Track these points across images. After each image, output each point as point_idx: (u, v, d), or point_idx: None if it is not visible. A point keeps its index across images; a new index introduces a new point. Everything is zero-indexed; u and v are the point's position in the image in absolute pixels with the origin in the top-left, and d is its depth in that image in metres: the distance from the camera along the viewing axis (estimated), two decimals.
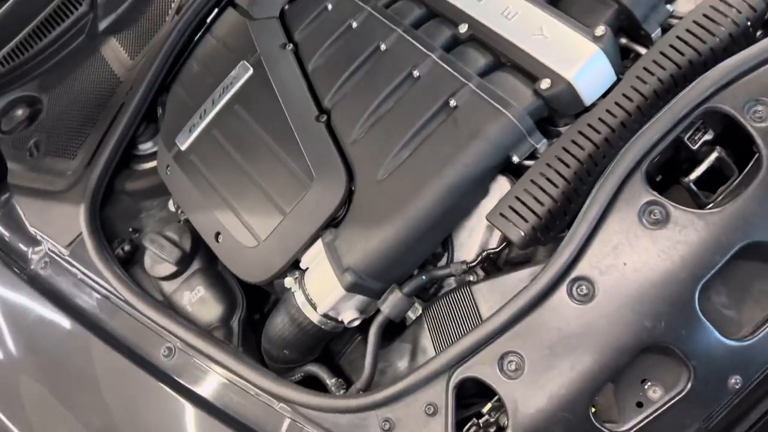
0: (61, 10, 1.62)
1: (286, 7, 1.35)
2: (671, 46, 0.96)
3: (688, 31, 0.96)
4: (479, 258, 1.03)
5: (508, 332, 0.90)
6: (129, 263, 1.31)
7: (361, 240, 1.03)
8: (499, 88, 1.02)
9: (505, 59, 1.06)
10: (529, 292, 0.89)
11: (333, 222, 1.07)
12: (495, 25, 1.07)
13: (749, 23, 0.95)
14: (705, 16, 0.96)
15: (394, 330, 1.09)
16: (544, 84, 0.99)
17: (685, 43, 0.95)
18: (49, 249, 1.34)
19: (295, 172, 1.12)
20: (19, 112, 1.62)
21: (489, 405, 0.93)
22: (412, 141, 1.04)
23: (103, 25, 1.59)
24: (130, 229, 1.37)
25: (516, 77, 1.03)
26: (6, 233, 1.42)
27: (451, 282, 1.09)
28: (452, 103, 1.03)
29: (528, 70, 1.02)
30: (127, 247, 1.31)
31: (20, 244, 1.39)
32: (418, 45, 1.11)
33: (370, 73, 1.14)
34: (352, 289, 1.01)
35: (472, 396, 0.97)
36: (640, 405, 0.90)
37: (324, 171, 1.09)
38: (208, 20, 1.43)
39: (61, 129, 1.51)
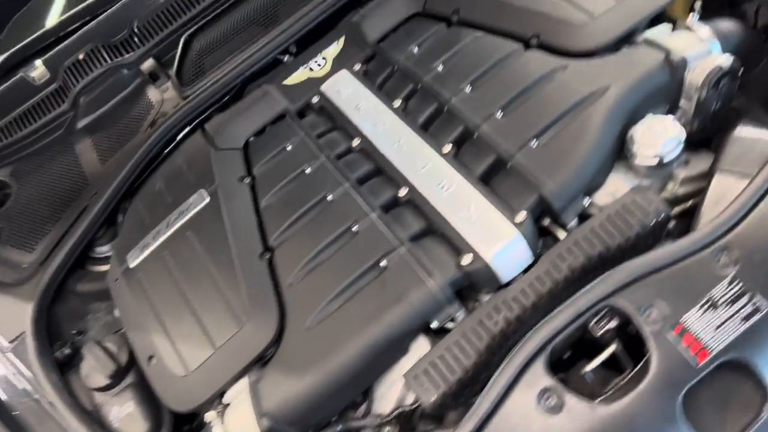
0: (44, 103, 1.71)
1: (251, 139, 1.44)
2: (584, 238, 1.05)
3: (600, 226, 1.06)
4: (393, 413, 1.09)
5: None
6: (67, 366, 1.34)
7: (283, 385, 1.08)
8: (427, 255, 1.10)
9: (436, 227, 1.15)
10: None
11: (261, 360, 1.13)
12: (431, 196, 1.17)
13: (655, 225, 1.05)
14: (617, 214, 1.06)
15: None
16: (466, 260, 1.07)
17: (597, 237, 1.05)
18: None
19: (233, 306, 1.18)
20: None
21: None
22: (343, 294, 1.11)
23: (81, 124, 1.68)
24: (74, 331, 1.40)
25: (443, 247, 1.12)
26: None
27: None
28: (383, 263, 1.11)
29: (454, 243, 1.11)
30: (67, 351, 1.35)
31: None
32: (360, 202, 1.20)
33: (315, 221, 1.22)
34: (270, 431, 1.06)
35: None
36: None
37: (259, 309, 1.15)
38: (178, 138, 1.52)
39: (24, 220, 1.56)
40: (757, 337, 0.93)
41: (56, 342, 1.36)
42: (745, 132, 1.16)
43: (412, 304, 1.06)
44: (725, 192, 1.12)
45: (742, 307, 0.94)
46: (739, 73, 1.17)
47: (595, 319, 1.01)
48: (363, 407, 1.14)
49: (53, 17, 1.93)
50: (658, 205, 1.06)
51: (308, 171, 1.29)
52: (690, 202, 1.18)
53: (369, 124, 1.31)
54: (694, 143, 1.22)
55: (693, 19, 1.24)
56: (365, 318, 1.07)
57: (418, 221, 1.17)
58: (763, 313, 0.93)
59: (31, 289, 1.40)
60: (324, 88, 1.42)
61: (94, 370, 1.27)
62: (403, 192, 1.20)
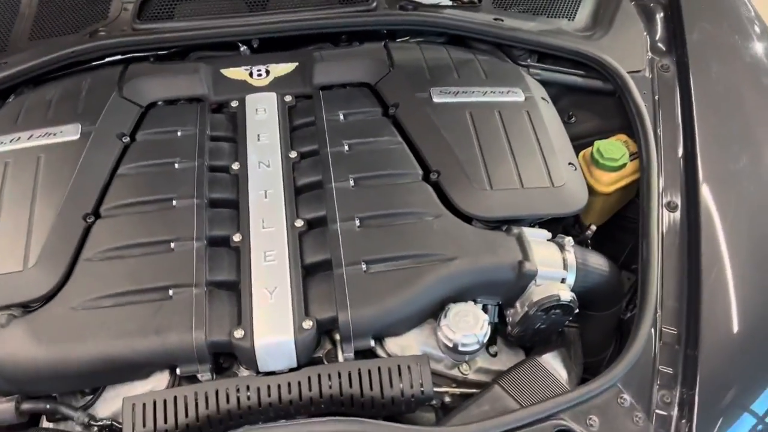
0: None
1: (159, 103, 1.44)
2: (347, 373, 1.09)
3: (367, 371, 1.09)
4: (103, 422, 1.12)
5: None
6: None
7: (21, 343, 1.09)
8: (212, 308, 1.12)
9: (239, 288, 1.17)
10: None
11: (20, 307, 1.14)
12: (255, 258, 1.18)
13: (413, 399, 1.09)
14: (388, 369, 1.10)
15: None
16: (238, 333, 1.09)
17: (359, 378, 1.09)
18: None
19: (29, 245, 1.18)
20: None
21: None
22: (119, 297, 1.13)
23: None
24: None
25: (230, 309, 1.14)
26: None
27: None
28: (171, 292, 1.13)
29: (241, 312, 1.13)
30: None
31: None
32: (196, 224, 1.21)
33: (149, 216, 1.23)
34: None
35: None
36: None
37: (47, 265, 1.16)
38: (102, 61, 1.51)
39: None
40: None
41: None
42: (546, 360, 1.21)
43: (166, 344, 1.09)
44: (496, 400, 1.16)
45: None
46: (573, 311, 1.21)
47: None
48: (88, 399, 1.17)
49: None
50: (426, 383, 1.10)
51: (177, 166, 1.30)
52: (473, 390, 1.22)
53: (256, 158, 1.32)
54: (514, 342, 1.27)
55: (569, 242, 1.27)
56: (122, 330, 1.10)
57: (229, 272, 1.18)
58: None
59: None
60: (248, 98, 1.43)
61: None
62: (236, 238, 1.22)
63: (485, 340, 1.17)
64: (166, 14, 1.60)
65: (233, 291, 1.17)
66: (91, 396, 1.16)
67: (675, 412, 1.13)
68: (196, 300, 1.12)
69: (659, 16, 1.65)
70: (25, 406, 1.11)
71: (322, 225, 1.24)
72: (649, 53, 1.57)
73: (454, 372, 1.22)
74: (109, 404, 1.15)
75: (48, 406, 1.12)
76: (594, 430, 1.08)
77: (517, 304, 1.23)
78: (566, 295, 1.19)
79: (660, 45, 1.60)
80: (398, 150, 1.35)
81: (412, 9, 1.61)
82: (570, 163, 1.36)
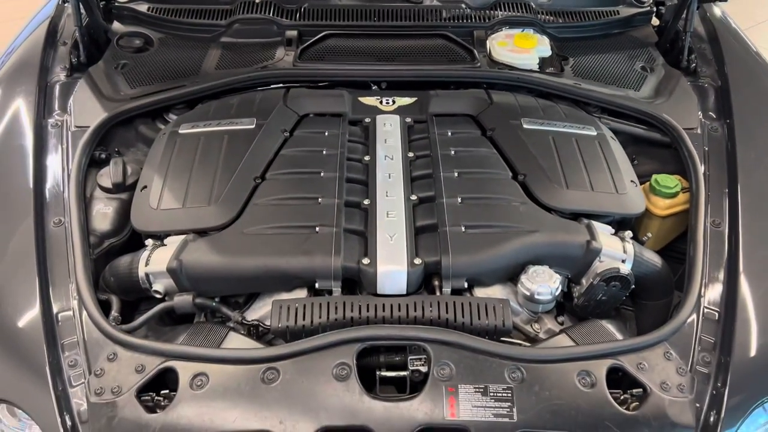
0: (213, 13, 2.26)
1: (311, 114, 1.89)
2: (443, 303, 1.40)
3: (460, 303, 1.40)
4: (251, 322, 1.45)
5: None
6: (96, 164, 1.78)
7: (204, 253, 1.47)
8: (347, 243, 1.47)
9: (367, 234, 1.52)
10: None
11: (203, 233, 1.53)
12: (380, 214, 1.54)
13: (496, 330, 1.38)
14: (476, 305, 1.40)
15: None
16: (365, 261, 1.43)
17: (452, 309, 1.39)
18: (63, 120, 1.86)
19: (214, 191, 1.59)
20: (137, 41, 2.22)
21: None
22: (281, 228, 1.51)
23: (223, 39, 2.19)
24: (117, 149, 1.86)
25: (360, 246, 1.49)
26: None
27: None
28: (317, 228, 1.50)
29: (368, 248, 1.48)
30: (103, 155, 1.81)
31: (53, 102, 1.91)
32: (337, 189, 1.59)
33: (303, 180, 1.64)
34: (170, 272, 1.45)
35: None
36: None
37: (227, 204, 1.56)
38: (269, 87, 2.00)
39: (145, 68, 2.07)
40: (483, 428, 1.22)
41: (100, 146, 1.82)
42: (605, 323, 1.47)
43: (313, 262, 1.43)
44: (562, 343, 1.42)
45: (496, 408, 1.24)
46: (631, 285, 1.48)
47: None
48: (241, 306, 1.51)
49: None
50: (507, 320, 1.39)
51: (324, 152, 1.71)
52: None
53: (382, 153, 1.72)
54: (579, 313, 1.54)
55: (629, 234, 1.57)
56: (280, 250, 1.46)
57: (359, 223, 1.54)
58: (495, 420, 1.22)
59: (114, 107, 1.88)
60: (378, 117, 1.86)
61: (107, 173, 1.72)
62: (366, 202, 1.59)
63: (557, 294, 1.45)
64: (319, 59, 2.09)
65: (362, 237, 1.52)
66: (246, 304, 1.50)
67: (713, 371, 1.35)
68: (336, 235, 1.48)
69: (711, 93, 2.02)
70: (198, 300, 1.46)
71: (431, 201, 1.59)
72: (702, 118, 1.93)
73: (528, 328, 1.50)
74: (258, 312, 1.48)
75: (214, 304, 1.47)
76: (644, 373, 1.32)
77: (583, 280, 1.52)
78: (625, 268, 1.48)
79: (711, 113, 1.95)
80: (493, 157, 1.72)
81: (508, 70, 2.04)
82: (632, 181, 1.69)
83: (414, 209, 1.58)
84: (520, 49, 2.09)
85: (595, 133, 1.81)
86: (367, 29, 2.21)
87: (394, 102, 1.93)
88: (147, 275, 1.48)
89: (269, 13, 2.23)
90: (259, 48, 2.15)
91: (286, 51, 2.13)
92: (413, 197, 1.61)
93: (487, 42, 2.16)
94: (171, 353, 1.32)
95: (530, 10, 2.29)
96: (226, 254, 1.46)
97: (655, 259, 1.58)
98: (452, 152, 1.72)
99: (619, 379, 1.33)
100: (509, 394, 1.25)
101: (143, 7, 2.31)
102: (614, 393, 1.29)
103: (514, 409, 1.23)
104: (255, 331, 1.46)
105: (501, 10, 2.29)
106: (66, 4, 2.17)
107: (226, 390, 1.26)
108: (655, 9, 2.38)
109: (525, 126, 1.80)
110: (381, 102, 1.93)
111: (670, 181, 1.75)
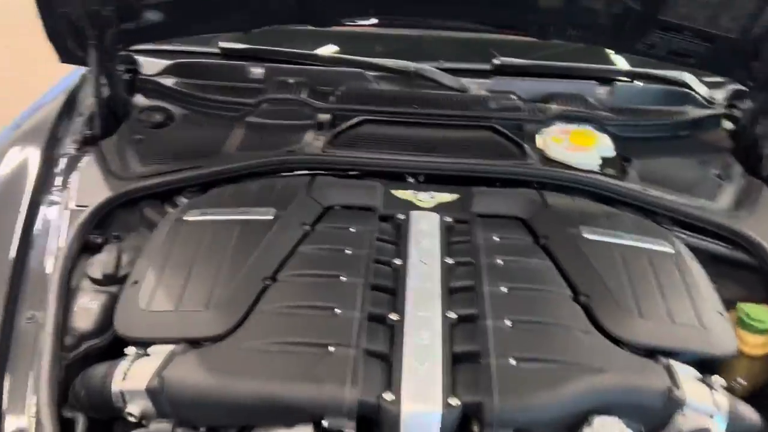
0: (240, 91, 2.10)
1: (336, 207, 1.65)
2: None
3: None
4: None
5: None
6: (88, 250, 1.56)
7: (192, 371, 1.20)
8: (366, 371, 1.18)
9: (391, 358, 1.23)
10: None
11: (195, 344, 1.27)
12: (408, 335, 1.26)
13: None
14: None
15: None
16: (387, 396, 1.14)
17: None
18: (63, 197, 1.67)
19: (214, 293, 1.34)
20: (157, 116, 2.06)
21: None
22: (286, 345, 1.23)
23: (249, 119, 2.01)
24: (115, 234, 1.64)
25: (382, 375, 1.20)
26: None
27: None
28: (331, 348, 1.21)
29: (392, 378, 1.19)
30: (98, 240, 1.58)
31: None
32: (359, 299, 1.32)
33: (318, 285, 1.37)
34: (150, 393, 1.18)
35: None
36: None
37: (226, 309, 1.31)
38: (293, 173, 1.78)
39: (161, 145, 1.89)
40: None
41: (98, 229, 1.61)
42: None
43: (322, 393, 1.15)
44: None
45: None
46: None
47: None
48: None
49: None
50: None
51: (347, 252, 1.46)
52: None
53: (416, 257, 1.46)
54: None
55: (720, 381, 1.26)
56: (283, 373, 1.18)
57: (383, 344, 1.27)
58: None
59: (121, 186, 1.69)
60: (413, 213, 1.61)
61: (98, 262, 1.49)
62: (393, 317, 1.31)
63: None
64: (351, 145, 1.88)
65: (386, 361, 1.24)
66: None
67: None
68: (353, 359, 1.20)
69: None
70: (180, 430, 1.18)
71: (472, 321, 1.31)
72: None
73: None
74: None
75: None
76: None
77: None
78: (716, 428, 1.16)
79: None
80: (548, 270, 1.44)
81: (564, 169, 1.80)
82: (719, 312, 1.39)
83: (452, 330, 1.30)
84: (578, 146, 1.86)
85: (671, 251, 1.53)
86: (406, 116, 2.01)
87: (432, 197, 1.69)
88: (121, 393, 1.22)
89: (302, 94, 2.06)
90: (288, 130, 1.96)
91: (316, 135, 1.93)
92: (451, 314, 1.33)
93: (540, 137, 1.93)
94: None
95: (588, 104, 2.08)
96: (218, 374, 1.19)
97: (754, 418, 1.25)
98: (499, 261, 1.45)
99: None
100: None
101: (169, 81, 2.16)
102: None
103: None
104: None
105: (555, 104, 2.07)
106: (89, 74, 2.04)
107: None
108: (727, 111, 2.14)
109: (586, 236, 1.53)
110: (417, 197, 1.69)
111: (762, 314, 1.44)
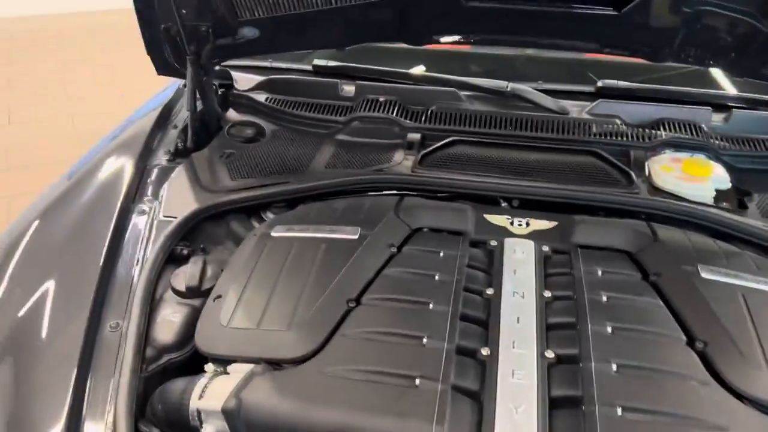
0: (333, 109, 2.07)
1: (424, 229, 1.56)
2: None
3: None
4: None
5: None
6: (174, 261, 1.55)
7: (270, 394, 1.14)
8: (454, 408, 1.09)
9: (482, 397, 1.13)
10: None
11: (275, 364, 1.21)
12: (501, 372, 1.16)
13: None
14: None
15: None
16: None
17: None
18: (153, 207, 1.67)
19: (297, 313, 1.28)
20: (249, 131, 2.06)
21: None
22: (370, 374, 1.15)
23: (339, 137, 1.98)
24: (202, 246, 1.62)
25: (471, 415, 1.10)
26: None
27: None
28: (417, 382, 1.13)
29: (482, 418, 1.09)
30: (185, 251, 1.56)
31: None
32: (448, 329, 1.23)
33: (405, 311, 1.28)
34: (226, 414, 1.12)
35: None
36: None
37: (308, 331, 1.24)
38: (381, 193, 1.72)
39: (250, 159, 1.88)
40: None
41: (184, 241, 1.60)
42: None
43: (404, 429, 1.06)
44: None
45: None
46: None
47: None
48: None
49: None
50: None
51: (437, 278, 1.37)
52: None
53: (511, 288, 1.35)
54: None
55: None
56: (366, 404, 1.10)
57: (473, 381, 1.16)
58: None
59: (210, 199, 1.68)
60: (507, 240, 1.50)
61: (183, 274, 1.47)
62: (485, 352, 1.21)
63: None
64: (441, 166, 1.80)
65: (476, 400, 1.14)
66: None
67: None
68: (441, 395, 1.11)
69: None
70: None
71: (573, 362, 1.19)
72: None
73: None
74: None
75: None
76: None
77: None
78: None
79: None
80: (660, 312, 1.30)
81: (675, 200, 1.64)
82: None
83: (549, 371, 1.18)
84: (690, 176, 1.70)
85: None
86: (500, 138, 1.92)
87: (528, 224, 1.57)
88: (198, 411, 1.17)
89: (392, 113, 2.01)
90: (377, 149, 1.91)
91: (406, 155, 1.86)
92: (549, 354, 1.21)
93: (648, 164, 1.78)
94: None
95: (701, 132, 1.91)
96: (297, 399, 1.13)
97: None
98: (604, 298, 1.32)
99: None
100: None
101: (261, 97, 2.17)
102: None
103: None
104: None
105: (664, 130, 1.92)
106: (184, 88, 2.07)
107: None
108: None
109: (704, 275, 1.37)
110: (512, 223, 1.58)
111: None
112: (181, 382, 1.24)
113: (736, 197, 1.72)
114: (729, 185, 1.72)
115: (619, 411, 1.08)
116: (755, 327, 1.25)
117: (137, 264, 1.52)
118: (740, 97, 2.06)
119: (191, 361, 1.34)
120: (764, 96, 2.05)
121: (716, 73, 2.34)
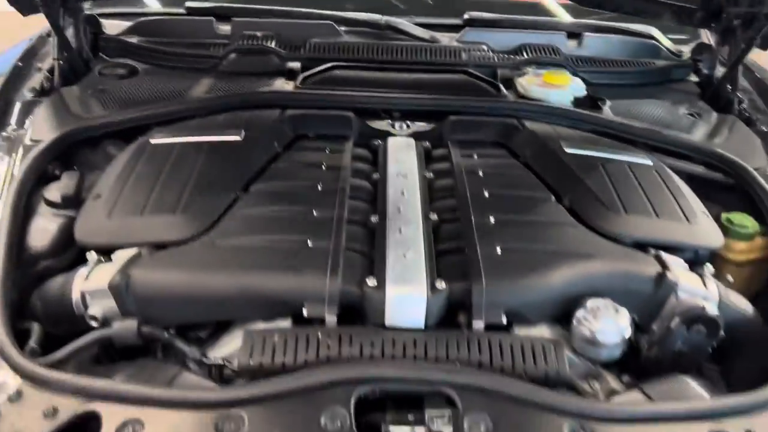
0: (208, 46, 2.04)
1: (310, 135, 1.60)
2: (477, 341, 1.04)
3: (500, 341, 1.05)
4: (213, 361, 1.07)
5: None
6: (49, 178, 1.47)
7: (161, 268, 1.12)
8: (347, 261, 1.13)
9: (372, 254, 1.18)
10: None
11: (161, 245, 1.19)
12: (389, 230, 1.21)
13: (548, 379, 1.01)
14: (525, 346, 1.05)
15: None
16: (370, 281, 1.09)
17: (490, 347, 1.03)
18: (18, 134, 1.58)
19: (182, 200, 1.26)
20: (121, 70, 1.99)
21: None
22: (263, 239, 1.17)
23: (221, 68, 1.96)
24: (75, 168, 1.54)
25: (363, 265, 1.16)
26: None
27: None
28: (310, 243, 1.16)
29: (374, 266, 1.14)
30: (57, 172, 1.49)
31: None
32: (338, 201, 1.28)
33: (296, 194, 1.31)
34: (113, 290, 1.09)
35: None
36: None
37: (196, 214, 1.24)
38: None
39: (124, 96, 1.81)
40: None
41: (56, 163, 1.51)
42: (690, 380, 1.09)
43: (301, 281, 1.09)
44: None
45: None
46: (719, 331, 1.12)
47: None
48: (204, 342, 1.14)
49: None
50: (562, 367, 1.02)
51: (324, 167, 1.41)
52: None
53: (395, 171, 1.41)
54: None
55: (710, 269, 1.23)
56: (259, 264, 1.12)
57: (363, 243, 1.21)
58: None
59: (80, 123, 1.61)
60: (390, 139, 1.57)
61: (57, 186, 1.40)
62: (374, 219, 1.26)
63: (626, 334, 1.08)
64: (323, 84, 1.82)
65: (367, 257, 1.17)
66: (209, 340, 1.13)
67: None
68: (333, 251, 1.13)
69: None
70: (146, 329, 1.09)
71: (456, 221, 1.26)
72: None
73: (584, 385, 1.11)
74: (225, 348, 1.11)
75: (166, 335, 1.10)
76: None
77: (654, 325, 1.16)
78: (711, 309, 1.12)
79: None
80: (530, 179, 1.41)
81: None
82: (703, 212, 1.37)
83: (435, 230, 1.25)
84: (551, 84, 1.85)
85: (651, 163, 1.51)
86: (378, 64, 1.98)
87: (408, 127, 1.65)
88: (83, 295, 1.13)
89: (271, 44, 2.02)
90: (257, 78, 1.91)
91: (287, 81, 1.88)
92: (433, 216, 1.28)
93: (514, 80, 1.92)
94: (95, 392, 0.94)
95: (559, 53, 2.08)
96: (189, 269, 1.12)
97: (745, 306, 1.22)
98: (480, 173, 1.41)
99: None
100: None
101: (133, 39, 2.10)
102: None
103: None
104: (218, 373, 1.08)
105: (526, 54, 2.07)
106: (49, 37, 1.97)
107: None
108: (693, 64, 2.17)
109: (568, 150, 1.50)
110: (393, 126, 1.65)
111: (745, 220, 1.43)
112: (60, 278, 1.19)
113: (593, 103, 1.88)
114: (585, 93, 1.89)
115: (499, 250, 1.16)
116: (614, 186, 1.38)
117: (5, 183, 1.43)
118: (591, 24, 2.25)
119: (70, 270, 1.29)
120: (611, 23, 2.26)
121: (569, 5, 2.53)
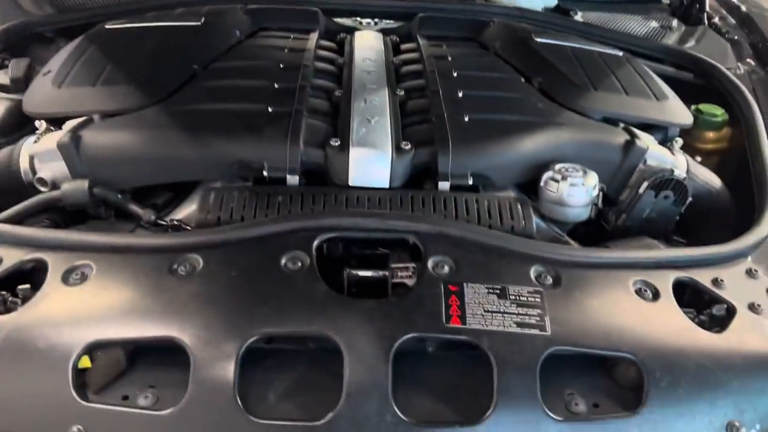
0: None
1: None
2: (443, 199, 1.01)
3: (466, 200, 1.02)
4: (170, 222, 1.03)
5: None
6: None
7: (114, 130, 1.08)
8: (309, 125, 1.09)
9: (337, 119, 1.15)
10: None
11: (114, 114, 1.13)
12: (355, 99, 1.18)
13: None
14: (490, 203, 1.03)
15: None
16: (333, 141, 1.05)
17: (456, 203, 1.01)
18: None
19: (136, 74, 1.20)
20: None
21: None
22: (226, 105, 1.13)
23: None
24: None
25: (327, 127, 1.12)
26: None
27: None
28: (271, 109, 1.11)
29: (339, 129, 1.11)
30: (7, 62, 1.42)
31: None
32: (299, 74, 1.22)
33: (258, 69, 1.26)
34: (62, 150, 1.03)
35: None
36: None
37: (152, 86, 1.17)
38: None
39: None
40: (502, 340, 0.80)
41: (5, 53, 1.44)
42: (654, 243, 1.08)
43: (262, 142, 1.04)
44: None
45: (521, 315, 0.83)
46: (687, 197, 1.11)
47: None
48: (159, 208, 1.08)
49: None
50: (528, 223, 1.00)
51: (287, 50, 1.35)
52: None
53: (361, 56, 1.37)
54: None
55: (678, 142, 1.22)
56: (218, 126, 1.07)
57: (327, 110, 1.17)
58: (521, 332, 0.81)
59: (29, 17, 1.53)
60: (357, 32, 1.52)
61: (5, 70, 1.34)
62: (338, 93, 1.22)
63: (594, 196, 1.07)
64: None
65: (331, 125, 1.13)
66: (165, 208, 1.09)
67: None
68: (296, 112, 1.09)
69: (744, 44, 1.74)
70: (97, 190, 1.03)
71: (422, 93, 1.23)
72: (739, 63, 1.63)
73: None
74: (181, 212, 1.06)
75: (119, 197, 1.05)
76: (724, 291, 0.92)
77: (623, 194, 1.14)
78: (680, 171, 1.11)
79: (749, 60, 1.65)
80: (499, 63, 1.38)
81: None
82: (672, 95, 1.35)
83: (402, 105, 1.21)
84: None
85: (620, 54, 1.49)
86: None
87: (376, 23, 1.60)
88: (31, 159, 1.07)
89: None
90: None
91: None
92: (399, 91, 1.24)
93: None
94: (40, 242, 0.89)
95: None
96: (143, 130, 1.07)
97: (712, 178, 1.21)
98: (449, 58, 1.38)
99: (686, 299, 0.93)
100: (538, 299, 0.84)
101: None
102: (686, 311, 0.89)
103: (547, 319, 0.82)
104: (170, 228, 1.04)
105: None
106: None
107: (116, 284, 0.83)
108: None
109: (538, 40, 1.47)
110: (361, 23, 1.60)
111: (714, 109, 1.42)
112: (6, 149, 1.13)
113: (564, 12, 1.85)
114: (556, 1, 1.86)
115: (467, 118, 1.13)
116: (584, 69, 1.36)
117: None
118: None
119: None
120: None
121: None
